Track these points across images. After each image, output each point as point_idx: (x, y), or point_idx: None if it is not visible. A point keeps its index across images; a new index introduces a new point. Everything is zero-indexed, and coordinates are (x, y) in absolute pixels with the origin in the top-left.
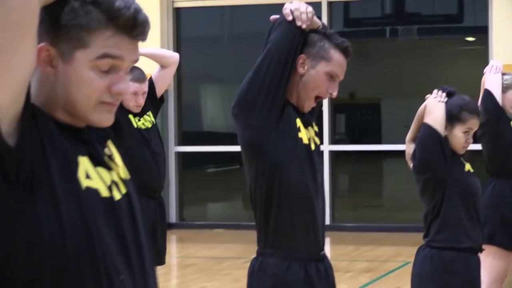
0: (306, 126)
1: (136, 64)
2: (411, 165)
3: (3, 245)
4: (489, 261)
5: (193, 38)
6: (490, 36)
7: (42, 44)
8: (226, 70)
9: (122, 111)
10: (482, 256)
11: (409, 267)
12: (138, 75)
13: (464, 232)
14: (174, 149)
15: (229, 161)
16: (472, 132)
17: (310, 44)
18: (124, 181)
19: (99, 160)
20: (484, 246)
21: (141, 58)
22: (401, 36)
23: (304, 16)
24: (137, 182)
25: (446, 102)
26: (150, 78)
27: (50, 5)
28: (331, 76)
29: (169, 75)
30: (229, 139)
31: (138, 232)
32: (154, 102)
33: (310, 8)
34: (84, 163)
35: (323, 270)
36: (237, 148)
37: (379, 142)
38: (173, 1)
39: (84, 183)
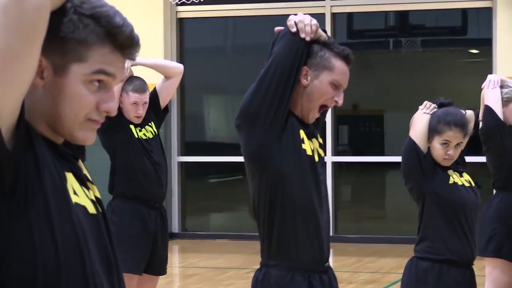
0: (310, 137)
1: (140, 74)
2: None
3: None
4: (496, 274)
5: (197, 48)
6: (494, 49)
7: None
8: (229, 80)
9: (123, 121)
10: (489, 269)
11: None
12: (139, 85)
13: (443, 244)
14: (177, 159)
15: (232, 171)
16: (452, 145)
17: (311, 55)
18: (98, 200)
19: (81, 178)
20: (490, 260)
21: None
22: (404, 48)
23: (308, 29)
24: (138, 192)
25: (432, 114)
26: (154, 88)
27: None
28: (335, 85)
29: (173, 85)
30: (232, 150)
31: (115, 253)
32: (157, 112)
33: (314, 21)
34: (70, 179)
35: (327, 281)
36: (240, 159)
37: (382, 153)
38: (176, 12)
39: (73, 199)
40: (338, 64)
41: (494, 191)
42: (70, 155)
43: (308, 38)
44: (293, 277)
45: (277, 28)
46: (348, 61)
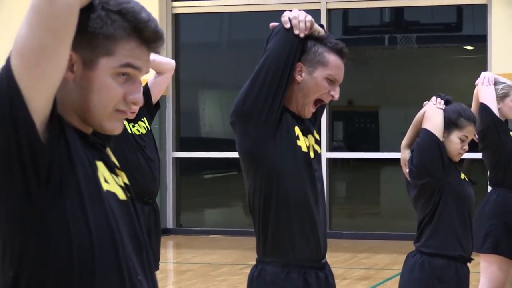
0: (305, 133)
1: None
2: (405, 171)
3: (32, 246)
4: (492, 270)
5: (192, 44)
6: (489, 45)
7: None
8: (225, 76)
9: None
10: (486, 264)
11: None
12: None
13: (457, 240)
14: (172, 154)
15: (227, 167)
16: (467, 141)
17: (305, 51)
18: (127, 186)
19: (110, 166)
20: (487, 256)
21: None
22: (399, 44)
23: (302, 25)
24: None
25: (444, 109)
26: (146, 84)
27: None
28: (330, 80)
29: (165, 81)
30: (227, 145)
31: (144, 234)
32: (149, 108)
33: (309, 17)
34: (101, 167)
35: (323, 278)
36: (234, 154)
37: (377, 149)
38: (172, 7)
39: (104, 186)
40: (332, 59)
41: (490, 188)
42: (99, 143)
43: (302, 35)
44: (288, 273)
45: (272, 24)
46: (342, 55)
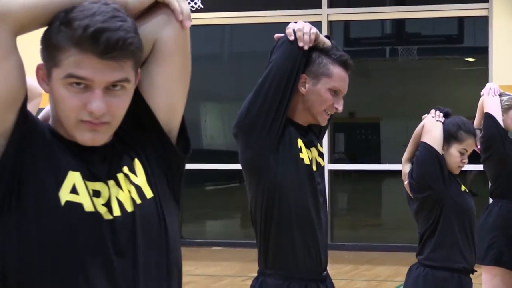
0: (308, 146)
1: None
2: (406, 184)
3: None
4: (495, 282)
5: (194, 56)
6: (490, 57)
7: (39, 63)
8: (226, 88)
9: None
10: (489, 276)
11: None
12: None
13: (460, 252)
14: None
15: (228, 179)
16: (467, 154)
17: (310, 63)
18: (133, 200)
19: (97, 176)
20: (489, 268)
21: None
22: (401, 56)
23: (306, 37)
24: None
25: (443, 122)
26: None
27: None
28: (334, 92)
29: None
30: (229, 157)
31: (136, 252)
32: None
33: (314, 29)
34: (73, 177)
35: None
36: (236, 166)
37: (378, 161)
38: None
39: (66, 197)
40: (337, 71)
41: (491, 200)
42: (88, 153)
43: (306, 47)
44: (289, 286)
45: (277, 35)
46: (347, 67)
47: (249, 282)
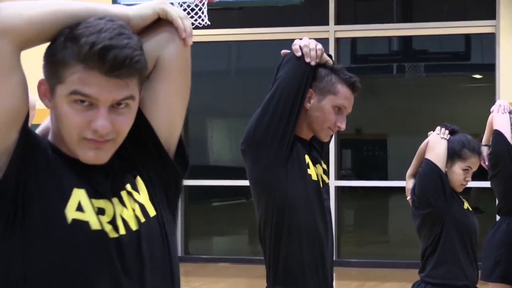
0: (314, 163)
1: None
2: (409, 200)
3: None
4: None
5: (200, 72)
6: (497, 74)
7: (41, 79)
8: (233, 104)
9: None
10: None
11: None
12: None
13: (461, 270)
14: None
15: (235, 195)
16: (471, 172)
17: (317, 79)
18: (138, 218)
19: (101, 193)
20: (496, 285)
21: None
22: (408, 73)
23: (313, 53)
24: None
25: (448, 140)
26: None
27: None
28: (338, 109)
29: None
30: (235, 173)
31: (143, 271)
32: None
33: (319, 45)
34: (78, 195)
35: None
36: (243, 182)
37: (385, 178)
38: None
39: (72, 215)
40: (343, 90)
41: (498, 217)
42: (89, 170)
43: (313, 63)
44: None
45: (283, 51)
46: (354, 89)
47: None
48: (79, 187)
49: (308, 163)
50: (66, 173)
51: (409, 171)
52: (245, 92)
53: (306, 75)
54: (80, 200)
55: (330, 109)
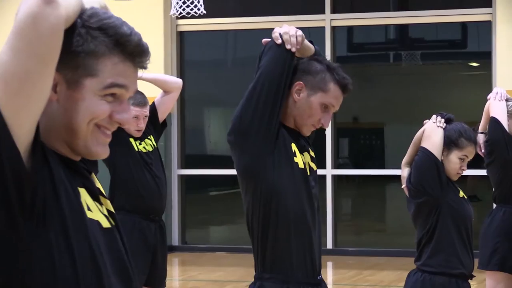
0: (301, 151)
1: (139, 88)
2: (405, 188)
3: (15, 277)
4: (498, 287)
5: (197, 61)
6: (493, 61)
7: None
8: (230, 93)
9: (123, 134)
10: (492, 282)
11: None
12: (139, 99)
13: (457, 258)
14: (177, 172)
15: (232, 184)
16: (467, 160)
17: (311, 73)
18: (111, 214)
19: (94, 193)
20: (493, 273)
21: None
22: (404, 61)
23: (293, 40)
24: (138, 205)
25: (444, 128)
26: (153, 103)
27: None
28: (325, 106)
29: (172, 100)
30: (232, 163)
31: (130, 263)
32: (156, 126)
33: (299, 32)
34: (83, 194)
35: None
36: None
37: (382, 166)
38: (177, 25)
39: (88, 214)
40: (334, 89)
41: (495, 205)
42: (84, 169)
43: (293, 49)
44: None
45: (264, 40)
46: (345, 90)
47: None
48: (80, 186)
49: (294, 151)
50: (65, 172)
51: (405, 160)
52: (242, 81)
53: (288, 62)
54: (85, 200)
55: (318, 106)
